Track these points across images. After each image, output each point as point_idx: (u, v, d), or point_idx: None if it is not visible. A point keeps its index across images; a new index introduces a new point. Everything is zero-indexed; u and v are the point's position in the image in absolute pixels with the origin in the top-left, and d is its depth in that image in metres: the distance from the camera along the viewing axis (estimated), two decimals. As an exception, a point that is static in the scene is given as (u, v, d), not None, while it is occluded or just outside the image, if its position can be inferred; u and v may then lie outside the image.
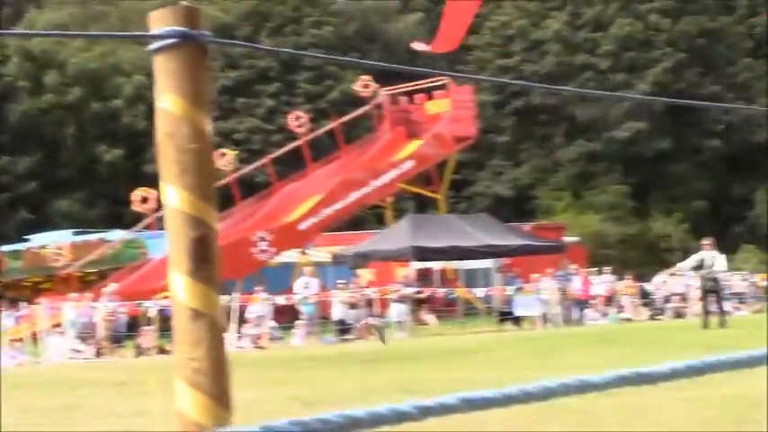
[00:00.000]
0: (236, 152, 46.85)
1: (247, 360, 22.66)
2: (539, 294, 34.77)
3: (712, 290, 26.85)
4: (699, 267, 27.08)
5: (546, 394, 2.00)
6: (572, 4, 68.34)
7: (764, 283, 41.76)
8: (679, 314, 37.07)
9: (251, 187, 47.84)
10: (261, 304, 32.72)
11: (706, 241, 27.53)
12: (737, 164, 66.85)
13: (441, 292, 36.77)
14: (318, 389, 14.15)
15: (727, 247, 61.16)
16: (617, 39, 65.80)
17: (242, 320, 32.09)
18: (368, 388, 13.58)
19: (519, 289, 36.17)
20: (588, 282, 38.38)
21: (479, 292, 38.76)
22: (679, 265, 27.99)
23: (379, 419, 1.97)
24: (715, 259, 26.93)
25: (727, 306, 35.01)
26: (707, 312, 26.40)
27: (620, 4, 67.05)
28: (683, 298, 38.12)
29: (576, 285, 37.42)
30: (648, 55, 65.78)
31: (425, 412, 2.00)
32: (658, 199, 65.73)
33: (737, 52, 69.34)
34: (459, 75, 60.62)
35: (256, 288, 34.63)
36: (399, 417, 1.98)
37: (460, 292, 36.74)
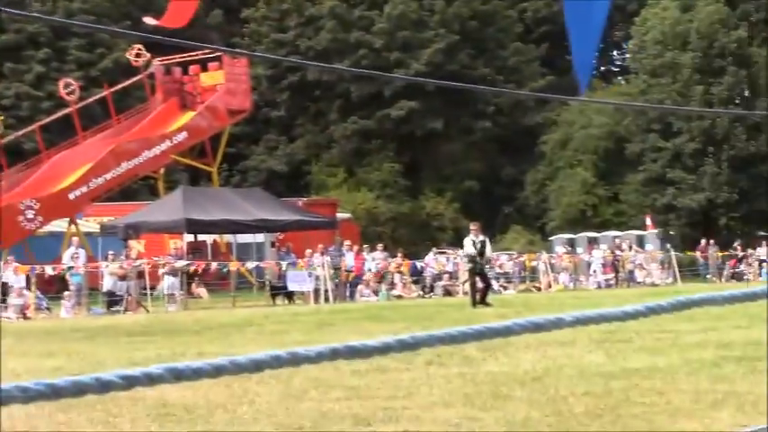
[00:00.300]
0: (3, 118, 45.46)
1: (12, 330, 21.99)
2: (311, 270, 34.80)
3: (479, 271, 27.51)
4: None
5: (257, 366, 1.88)
6: (348, -19, 68.54)
7: (532, 263, 42.84)
8: (449, 292, 37.69)
9: (18, 154, 46.49)
10: (25, 274, 31.78)
11: (473, 226, 28.35)
12: (508, 146, 68.36)
13: (214, 265, 36.39)
14: (83, 361, 13.80)
15: (497, 227, 62.82)
16: (391, 17, 66.30)
17: (5, 290, 31.11)
18: (133, 361, 13.30)
19: (292, 264, 36.09)
20: (360, 258, 38.62)
21: (252, 266, 38.54)
22: (465, 253, 28.50)
23: (83, 389, 1.83)
24: (483, 243, 27.66)
25: (494, 285, 35.94)
26: (474, 291, 27.04)
27: (396, -17, 67.63)
28: (453, 276, 38.79)
29: (348, 262, 37.59)
30: (422, 35, 66.51)
31: (132, 382, 1.86)
32: (430, 178, 66.71)
33: (508, 36, 70.81)
34: (234, 50, 60.22)
35: (8, 258, 33.63)
36: (104, 387, 1.83)
37: (233, 265, 36.46)
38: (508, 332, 2.15)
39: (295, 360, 1.98)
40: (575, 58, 3.63)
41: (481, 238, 27.76)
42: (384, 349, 2.02)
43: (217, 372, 1.94)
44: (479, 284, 27.34)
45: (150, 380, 1.91)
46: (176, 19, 3.75)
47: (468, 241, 27.93)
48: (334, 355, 1.99)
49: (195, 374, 1.93)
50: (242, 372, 1.97)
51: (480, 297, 26.80)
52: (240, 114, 48.40)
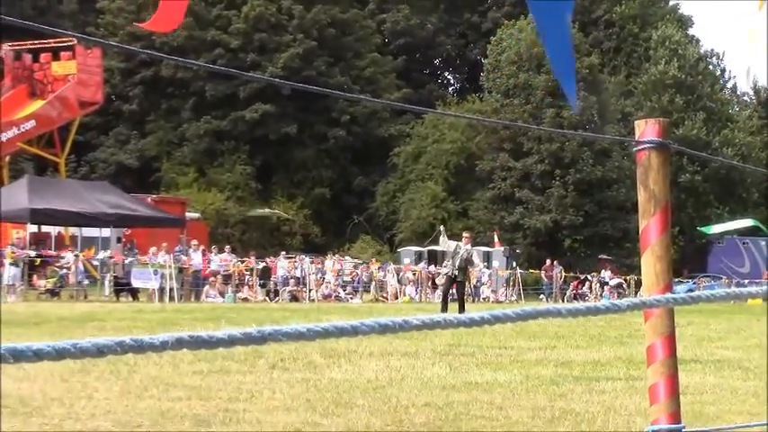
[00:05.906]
0: None
1: None
2: (157, 268, 34.36)
3: (457, 279, 26.59)
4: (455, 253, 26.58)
5: (99, 351, 1.85)
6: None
7: (379, 275, 42.98)
8: (295, 297, 37.61)
9: None
10: None
11: (466, 234, 27.62)
12: (360, 155, 68.53)
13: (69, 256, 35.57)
14: None
15: (346, 235, 62.95)
16: (248, 18, 66.01)
17: None
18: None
19: (137, 260, 35.60)
20: (207, 259, 38.30)
21: (97, 260, 37.85)
22: (441, 240, 27.20)
23: None
24: (470, 252, 26.83)
25: (342, 294, 35.72)
26: (446, 299, 26.28)
27: (255, -17, 67.33)
28: (300, 282, 38.79)
29: (195, 262, 37.21)
30: (280, 38, 66.34)
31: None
32: (282, 183, 66.45)
33: (366, 46, 71.02)
34: (88, 38, 59.07)
35: None
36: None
37: (85, 255, 35.77)
38: (355, 332, 2.14)
39: (140, 347, 1.93)
40: (560, 80, 3.47)
41: (469, 247, 26.62)
42: (230, 342, 1.98)
43: (59, 355, 1.88)
44: (453, 293, 26.58)
45: None
46: (166, 23, 3.37)
47: (453, 243, 26.50)
48: (179, 344, 1.95)
49: (36, 356, 1.87)
50: (85, 356, 1.91)
51: (459, 305, 25.95)
52: (92, 106, 47.71)
